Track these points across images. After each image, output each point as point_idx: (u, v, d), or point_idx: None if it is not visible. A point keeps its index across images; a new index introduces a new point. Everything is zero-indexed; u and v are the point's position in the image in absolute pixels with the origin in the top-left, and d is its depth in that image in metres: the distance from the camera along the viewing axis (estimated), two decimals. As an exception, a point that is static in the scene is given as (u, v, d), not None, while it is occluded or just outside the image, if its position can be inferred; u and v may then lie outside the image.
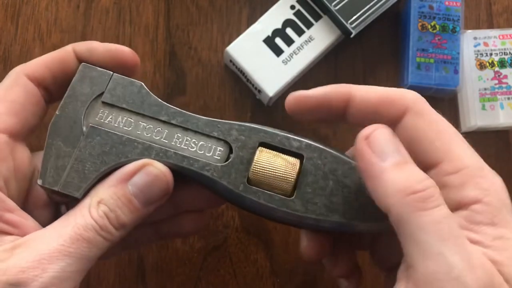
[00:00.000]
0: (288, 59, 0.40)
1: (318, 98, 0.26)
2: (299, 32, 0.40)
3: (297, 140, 0.27)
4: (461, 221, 0.22)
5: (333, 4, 0.40)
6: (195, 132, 0.27)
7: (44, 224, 0.26)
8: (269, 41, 0.40)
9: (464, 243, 0.21)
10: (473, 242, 0.22)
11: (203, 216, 0.31)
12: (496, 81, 0.42)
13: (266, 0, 0.42)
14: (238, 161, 0.26)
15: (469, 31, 0.43)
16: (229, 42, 0.40)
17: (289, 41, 0.40)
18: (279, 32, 0.40)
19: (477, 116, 0.41)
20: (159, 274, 0.39)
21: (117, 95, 0.27)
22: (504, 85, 0.42)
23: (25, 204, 0.27)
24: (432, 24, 0.42)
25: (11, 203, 0.25)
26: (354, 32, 0.40)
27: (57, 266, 0.23)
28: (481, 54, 0.42)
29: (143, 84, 0.27)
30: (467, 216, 0.22)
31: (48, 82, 0.28)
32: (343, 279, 0.31)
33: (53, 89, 0.28)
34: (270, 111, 0.42)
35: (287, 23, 0.41)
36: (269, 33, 0.40)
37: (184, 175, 0.27)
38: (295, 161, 0.26)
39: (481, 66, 0.42)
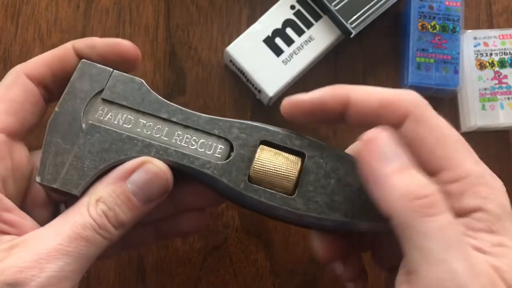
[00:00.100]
0: (288, 59, 0.40)
1: (313, 102, 0.26)
2: (299, 32, 0.40)
3: (298, 138, 0.26)
4: (461, 227, 0.22)
5: (333, 4, 0.40)
6: (196, 129, 0.27)
7: (43, 223, 0.25)
8: (269, 41, 0.40)
9: (468, 250, 0.21)
10: (473, 248, 0.21)
11: (204, 215, 0.31)
12: (496, 81, 0.42)
13: (266, 0, 0.42)
14: (239, 159, 0.26)
15: (469, 31, 0.43)
16: (229, 42, 0.40)
17: (289, 41, 0.40)
18: (279, 32, 0.40)
19: (477, 116, 0.41)
20: (159, 274, 0.39)
21: (117, 92, 0.27)
22: (504, 85, 0.42)
23: (23, 203, 0.27)
24: (432, 24, 0.42)
25: (9, 203, 0.25)
26: (354, 32, 0.40)
27: (55, 265, 0.23)
28: (481, 54, 0.42)
29: (143, 81, 0.27)
30: (467, 223, 0.22)
31: (48, 81, 0.28)
32: (350, 283, 0.30)
33: (53, 88, 0.28)
34: (270, 111, 0.41)
35: (287, 23, 0.40)
36: (269, 33, 0.40)
37: (184, 173, 0.26)
38: (297, 160, 0.26)
39: (481, 66, 0.42)
